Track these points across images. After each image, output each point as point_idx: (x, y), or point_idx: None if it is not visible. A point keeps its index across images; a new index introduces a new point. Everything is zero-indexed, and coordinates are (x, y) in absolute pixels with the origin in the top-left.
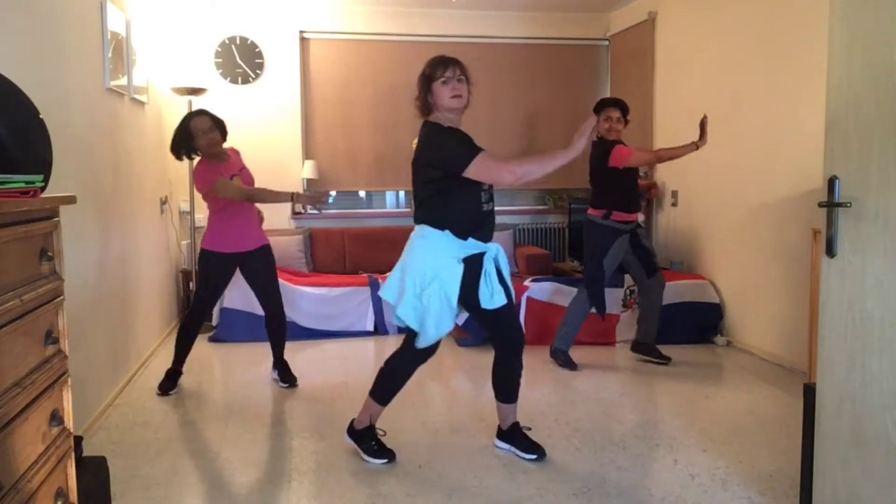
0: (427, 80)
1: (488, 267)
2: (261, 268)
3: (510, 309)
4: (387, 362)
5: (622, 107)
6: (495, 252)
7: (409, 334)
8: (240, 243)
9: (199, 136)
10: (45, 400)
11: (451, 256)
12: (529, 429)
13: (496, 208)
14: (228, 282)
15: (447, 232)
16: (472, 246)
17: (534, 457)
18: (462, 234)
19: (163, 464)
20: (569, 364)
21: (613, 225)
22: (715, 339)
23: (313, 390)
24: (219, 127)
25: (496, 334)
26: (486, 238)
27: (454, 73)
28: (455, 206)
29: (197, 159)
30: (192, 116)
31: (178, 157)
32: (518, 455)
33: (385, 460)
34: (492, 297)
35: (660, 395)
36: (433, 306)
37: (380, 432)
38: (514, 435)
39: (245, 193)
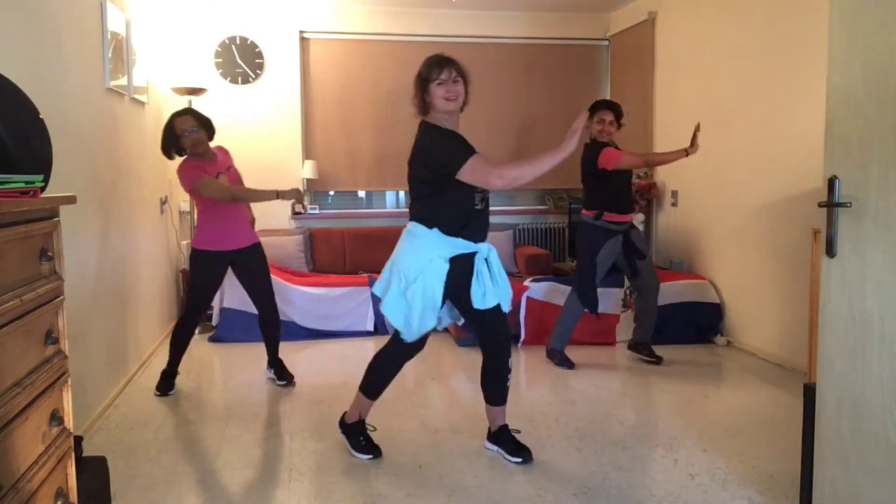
0: (423, 81)
1: (480, 267)
2: (252, 266)
3: (500, 311)
4: (375, 357)
5: (616, 109)
6: (486, 252)
7: (397, 329)
8: (229, 242)
9: (183, 137)
10: (45, 400)
11: (438, 255)
12: (518, 431)
13: (496, 208)
14: (220, 281)
15: (436, 230)
16: (461, 245)
17: (519, 460)
18: (451, 232)
19: (163, 464)
20: (565, 363)
21: (605, 225)
22: (715, 339)
23: (313, 390)
24: (204, 126)
25: (485, 336)
26: (476, 237)
27: (450, 74)
28: (447, 204)
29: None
30: (176, 116)
31: (168, 157)
32: (504, 457)
33: (370, 456)
34: (484, 296)
35: (660, 395)
36: (416, 304)
37: (370, 428)
38: (501, 437)
39: (229, 193)
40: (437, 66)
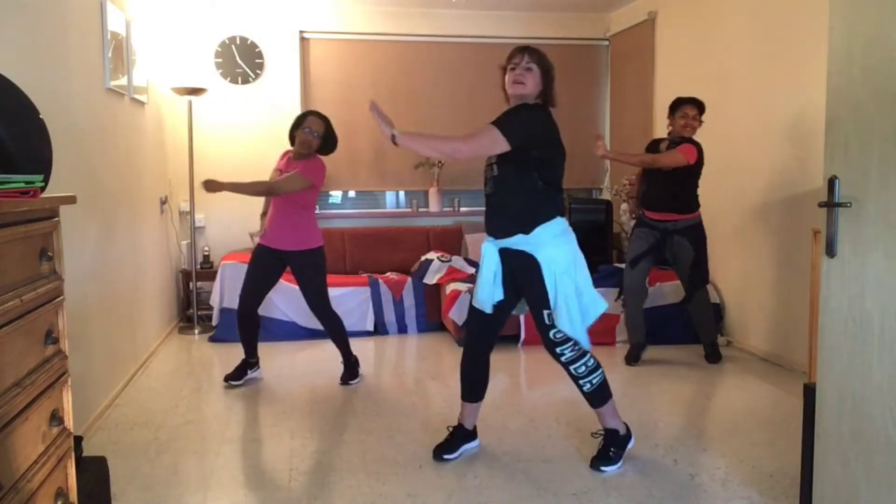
0: (502, 69)
1: (485, 261)
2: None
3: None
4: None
5: (699, 105)
6: (493, 248)
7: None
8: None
9: (303, 132)
10: (45, 400)
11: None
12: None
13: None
14: None
15: None
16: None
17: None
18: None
19: (163, 464)
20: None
21: (640, 218)
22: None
23: (313, 390)
24: (324, 139)
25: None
26: (488, 229)
27: (521, 59)
28: None
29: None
30: (311, 113)
31: (291, 142)
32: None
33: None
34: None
35: (660, 396)
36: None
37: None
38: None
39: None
40: (514, 52)
